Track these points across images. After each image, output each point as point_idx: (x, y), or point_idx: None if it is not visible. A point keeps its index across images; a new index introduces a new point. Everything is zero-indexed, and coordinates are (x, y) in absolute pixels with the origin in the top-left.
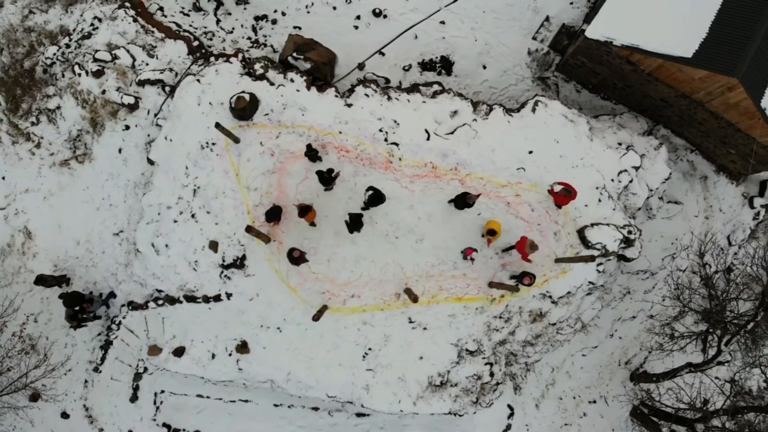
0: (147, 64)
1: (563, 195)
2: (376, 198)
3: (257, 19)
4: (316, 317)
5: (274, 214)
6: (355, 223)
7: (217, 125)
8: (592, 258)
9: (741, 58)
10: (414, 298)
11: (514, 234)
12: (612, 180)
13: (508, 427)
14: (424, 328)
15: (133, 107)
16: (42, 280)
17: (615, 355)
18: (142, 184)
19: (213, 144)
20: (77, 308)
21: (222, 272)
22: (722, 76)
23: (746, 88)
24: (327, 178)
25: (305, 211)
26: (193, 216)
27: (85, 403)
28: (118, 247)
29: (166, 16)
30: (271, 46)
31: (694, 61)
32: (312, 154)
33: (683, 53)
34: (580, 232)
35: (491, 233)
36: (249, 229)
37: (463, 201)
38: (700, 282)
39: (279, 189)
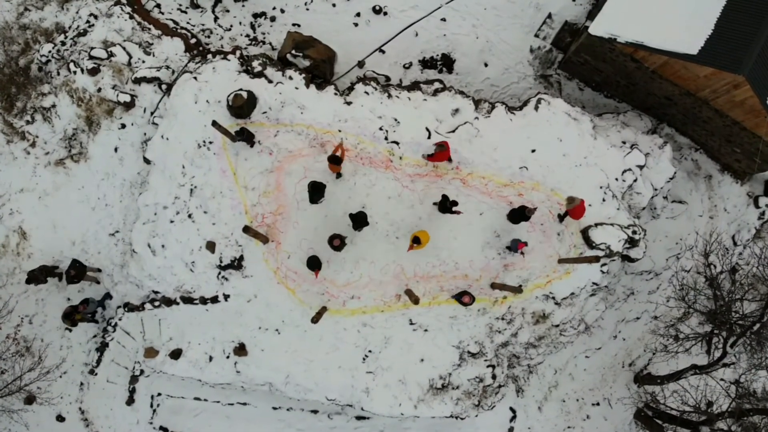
0: (143, 62)
1: (438, 152)
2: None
3: (256, 16)
4: (315, 319)
5: (315, 264)
6: (357, 221)
7: (214, 123)
8: (596, 258)
9: (747, 54)
10: (415, 300)
11: (517, 234)
12: (616, 179)
13: (511, 430)
14: (425, 330)
15: (129, 105)
16: (34, 278)
17: (618, 356)
18: (138, 184)
19: (210, 143)
20: (73, 307)
21: (219, 273)
22: (728, 73)
23: (752, 85)
24: (447, 207)
25: (337, 160)
26: (189, 216)
27: (80, 406)
28: (113, 248)
29: (163, 13)
30: (270, 43)
31: (699, 58)
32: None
33: (688, 50)
34: (584, 232)
35: (416, 241)
36: (247, 230)
37: (521, 215)
38: (705, 282)
39: (277, 188)
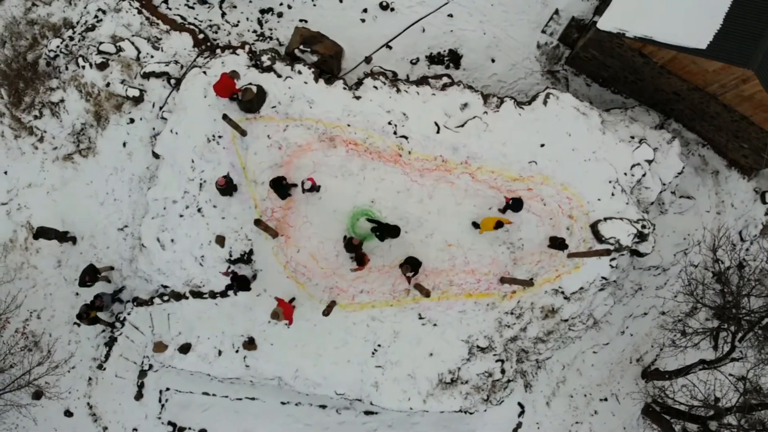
0: (152, 57)
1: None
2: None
3: (263, 12)
4: (327, 312)
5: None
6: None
7: (225, 117)
8: (607, 252)
9: (756, 49)
10: (426, 293)
11: (525, 230)
12: (625, 174)
13: (519, 425)
14: (434, 325)
15: (137, 100)
16: (43, 233)
17: (626, 352)
18: (147, 179)
19: (219, 137)
20: (88, 305)
21: (229, 267)
22: (737, 67)
23: (761, 79)
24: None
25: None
26: (199, 210)
27: (88, 401)
28: (122, 243)
29: (170, 9)
30: (277, 39)
31: (708, 52)
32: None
33: (697, 45)
34: (593, 227)
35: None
36: (258, 223)
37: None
38: (713, 277)
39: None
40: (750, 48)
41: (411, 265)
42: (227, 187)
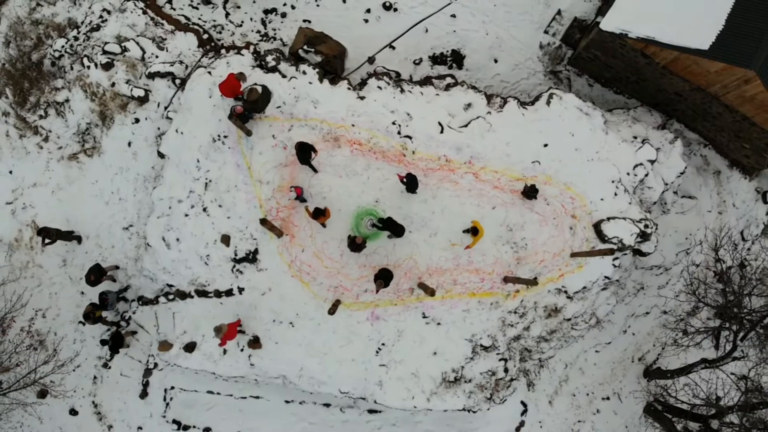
0: (157, 57)
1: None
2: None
3: (267, 12)
4: (332, 311)
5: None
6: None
7: (231, 116)
8: (610, 251)
9: (758, 49)
10: (431, 292)
11: (528, 229)
12: (628, 173)
13: (522, 423)
14: (438, 323)
15: (143, 100)
16: (45, 231)
17: (628, 351)
18: (152, 178)
19: (225, 137)
20: (94, 305)
21: (234, 266)
22: (739, 68)
23: (763, 80)
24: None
25: (319, 213)
26: (204, 210)
27: (94, 399)
28: (127, 242)
29: (174, 9)
30: (281, 39)
31: (710, 53)
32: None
33: (700, 45)
34: (596, 226)
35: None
36: (263, 222)
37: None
38: (715, 277)
39: (292, 182)
40: (752, 49)
41: (383, 279)
42: (245, 115)
